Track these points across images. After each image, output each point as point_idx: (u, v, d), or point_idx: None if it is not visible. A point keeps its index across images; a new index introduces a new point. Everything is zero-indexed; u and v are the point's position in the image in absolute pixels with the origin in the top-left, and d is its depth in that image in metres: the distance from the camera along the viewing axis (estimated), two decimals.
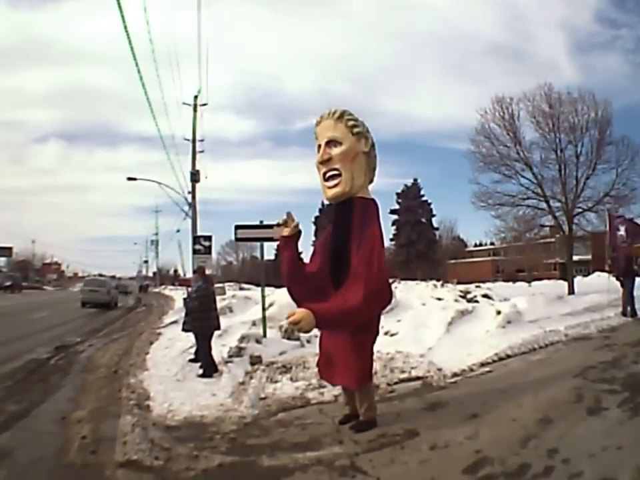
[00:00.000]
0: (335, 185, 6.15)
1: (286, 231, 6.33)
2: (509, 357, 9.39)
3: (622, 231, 14.45)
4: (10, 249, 65.84)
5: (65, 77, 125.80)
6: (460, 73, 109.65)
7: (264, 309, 12.53)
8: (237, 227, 12.45)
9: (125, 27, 11.13)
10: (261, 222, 12.30)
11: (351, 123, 6.25)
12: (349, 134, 6.21)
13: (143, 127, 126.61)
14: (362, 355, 5.96)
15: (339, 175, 6.13)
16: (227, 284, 36.01)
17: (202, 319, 9.54)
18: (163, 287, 73.30)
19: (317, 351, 6.65)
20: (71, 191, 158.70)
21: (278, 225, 6.46)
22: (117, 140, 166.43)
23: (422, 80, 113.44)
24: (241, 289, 34.96)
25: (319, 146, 6.29)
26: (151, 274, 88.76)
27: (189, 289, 11.73)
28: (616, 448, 4.53)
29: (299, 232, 6.42)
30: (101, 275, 53.22)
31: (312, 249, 6.53)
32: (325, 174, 6.23)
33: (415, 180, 64.22)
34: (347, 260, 5.88)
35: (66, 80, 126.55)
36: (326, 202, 6.58)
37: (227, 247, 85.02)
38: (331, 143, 6.19)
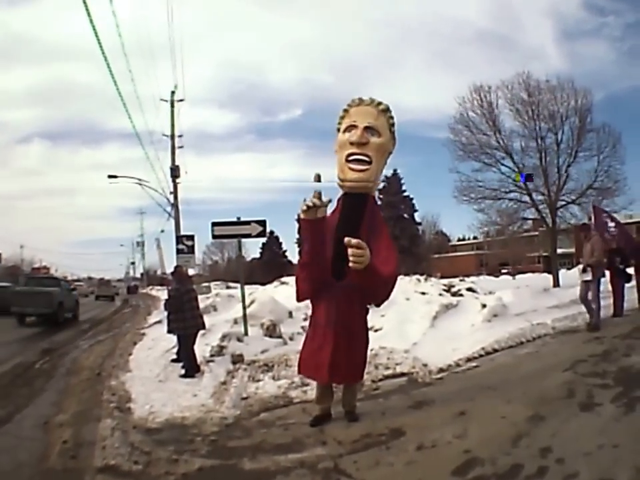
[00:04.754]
0: (362, 170, 5.72)
1: (321, 212, 5.75)
2: (495, 351, 9.28)
3: (612, 227, 14.05)
4: None
5: (46, 75, 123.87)
6: (445, 61, 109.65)
7: (244, 307, 12.36)
8: (214, 224, 12.39)
9: (91, 21, 11.12)
10: (238, 218, 12.24)
11: (392, 120, 6.06)
12: (387, 130, 5.98)
13: (127, 124, 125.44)
14: (367, 348, 6.27)
15: (369, 163, 5.75)
16: (213, 283, 36.18)
17: (184, 320, 9.42)
18: (150, 287, 73.40)
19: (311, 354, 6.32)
20: (56, 194, 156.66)
21: (308, 207, 5.67)
22: (101, 138, 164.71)
23: (407, 68, 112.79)
24: (228, 287, 35.00)
25: (354, 126, 5.87)
26: (138, 275, 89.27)
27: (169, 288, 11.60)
28: (612, 446, 4.35)
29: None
30: (89, 278, 53.48)
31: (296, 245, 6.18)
32: (351, 154, 5.78)
33: (395, 171, 64.06)
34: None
35: (47, 78, 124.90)
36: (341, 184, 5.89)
37: (213, 246, 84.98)
38: (369, 129, 5.83)
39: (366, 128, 5.82)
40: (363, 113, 5.97)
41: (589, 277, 10.54)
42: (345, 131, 5.94)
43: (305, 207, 5.65)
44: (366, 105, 6.02)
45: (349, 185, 5.77)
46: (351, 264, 5.13)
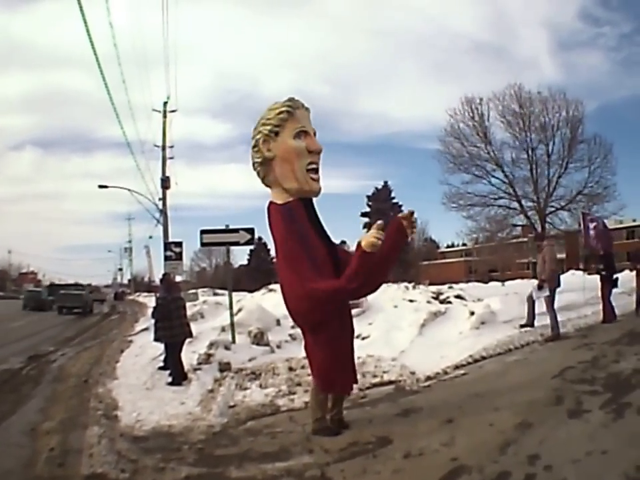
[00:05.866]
0: (318, 180, 5.72)
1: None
2: (484, 358, 9.21)
3: (591, 231, 13.91)
4: None
5: (40, 82, 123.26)
6: (440, 72, 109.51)
7: (232, 315, 12.26)
8: (203, 232, 12.31)
9: (88, 31, 11.10)
10: (227, 226, 12.18)
11: None
12: None
13: (118, 133, 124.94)
14: None
15: (318, 171, 5.72)
16: (200, 289, 36.02)
17: (171, 328, 9.37)
18: (138, 294, 73.16)
19: (302, 358, 6.34)
20: (46, 199, 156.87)
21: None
22: (92, 146, 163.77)
23: (401, 79, 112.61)
24: (215, 294, 34.87)
25: (305, 132, 5.66)
26: (125, 281, 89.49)
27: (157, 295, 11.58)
28: (600, 452, 4.30)
29: None
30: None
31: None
32: (310, 163, 5.63)
33: (386, 182, 64.40)
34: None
35: (41, 85, 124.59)
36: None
37: (200, 252, 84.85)
38: (315, 136, 5.77)
39: (314, 134, 5.75)
40: (308, 118, 5.83)
41: (545, 293, 10.48)
42: (295, 137, 5.62)
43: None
44: (303, 109, 5.80)
45: (315, 195, 5.78)
46: (369, 241, 5.06)
